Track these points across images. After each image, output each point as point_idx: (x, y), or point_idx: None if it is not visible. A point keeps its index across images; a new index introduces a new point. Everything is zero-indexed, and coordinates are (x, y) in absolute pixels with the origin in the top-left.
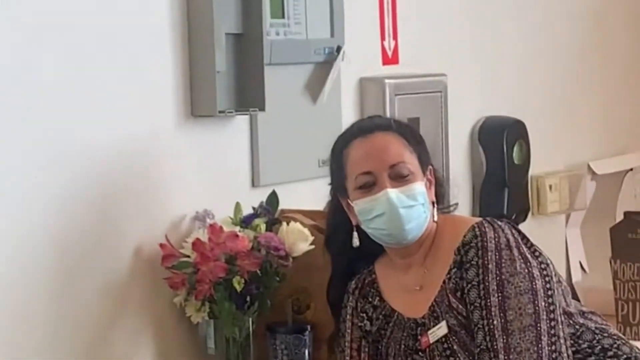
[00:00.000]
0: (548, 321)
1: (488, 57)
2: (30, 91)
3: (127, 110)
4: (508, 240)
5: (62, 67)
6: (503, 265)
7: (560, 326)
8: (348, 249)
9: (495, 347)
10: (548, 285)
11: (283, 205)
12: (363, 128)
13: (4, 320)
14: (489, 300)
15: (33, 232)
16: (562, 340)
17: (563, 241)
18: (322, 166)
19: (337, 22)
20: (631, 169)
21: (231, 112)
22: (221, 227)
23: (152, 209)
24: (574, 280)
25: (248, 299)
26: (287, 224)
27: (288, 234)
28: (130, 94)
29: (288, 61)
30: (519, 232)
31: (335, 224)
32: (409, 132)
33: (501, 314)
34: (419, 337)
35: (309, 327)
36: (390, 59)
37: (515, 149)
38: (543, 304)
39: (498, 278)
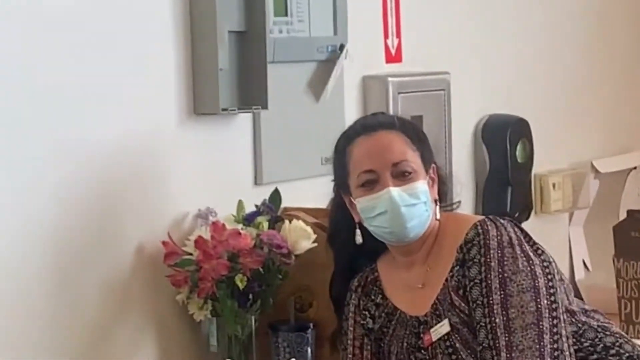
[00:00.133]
0: (550, 319)
1: (491, 55)
2: (33, 88)
3: (130, 108)
4: (510, 238)
5: (65, 63)
6: (505, 263)
7: (563, 324)
8: (351, 245)
9: (498, 345)
10: (550, 284)
11: (286, 203)
12: (366, 126)
13: (4, 318)
14: (491, 298)
15: (34, 229)
16: (564, 339)
17: (566, 239)
18: (324, 164)
19: (340, 20)
20: (634, 168)
21: (234, 110)
22: (224, 225)
23: (154, 207)
24: (577, 278)
25: (250, 296)
26: (290, 221)
27: (291, 232)
28: (133, 91)
29: (291, 59)
30: (522, 230)
31: (338, 220)
32: (413, 129)
33: (503, 312)
34: (422, 334)
35: (311, 325)
36: (393, 57)
37: (519, 147)
38: (545, 302)
39: (500, 276)
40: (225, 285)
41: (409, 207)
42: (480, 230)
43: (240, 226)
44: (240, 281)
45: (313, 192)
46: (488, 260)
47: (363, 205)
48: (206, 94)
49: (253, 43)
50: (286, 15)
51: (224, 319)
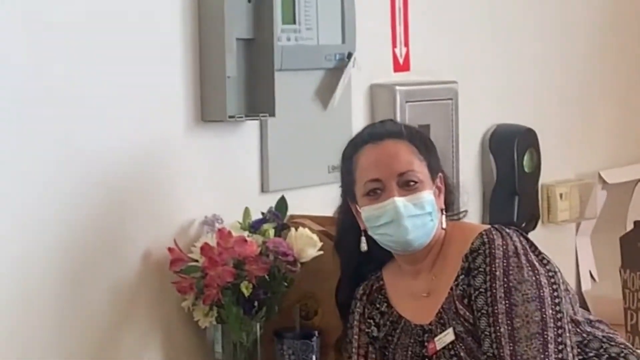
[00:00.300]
0: (555, 329)
1: (499, 65)
2: (41, 96)
3: (137, 115)
4: (516, 247)
5: (73, 71)
6: (511, 272)
7: (568, 334)
8: (357, 252)
9: (502, 354)
10: (555, 293)
11: (292, 210)
12: (374, 134)
13: (12, 322)
14: (496, 308)
15: (42, 236)
16: (569, 349)
17: (573, 250)
18: (331, 172)
19: (348, 28)
20: None
21: (241, 118)
22: (230, 232)
23: (161, 213)
24: (583, 289)
25: (256, 304)
26: (296, 229)
27: (297, 240)
28: (141, 99)
29: (299, 67)
30: (527, 239)
31: (345, 227)
32: (420, 139)
33: (508, 322)
34: (426, 343)
35: (316, 332)
36: (401, 65)
37: (526, 157)
38: (550, 311)
39: (505, 285)
40: (231, 292)
41: (413, 217)
42: (485, 240)
43: (246, 233)
44: (245, 288)
45: (319, 199)
46: (493, 269)
47: (368, 214)
48: (214, 101)
49: (261, 51)
50: (294, 23)
51: (229, 325)
